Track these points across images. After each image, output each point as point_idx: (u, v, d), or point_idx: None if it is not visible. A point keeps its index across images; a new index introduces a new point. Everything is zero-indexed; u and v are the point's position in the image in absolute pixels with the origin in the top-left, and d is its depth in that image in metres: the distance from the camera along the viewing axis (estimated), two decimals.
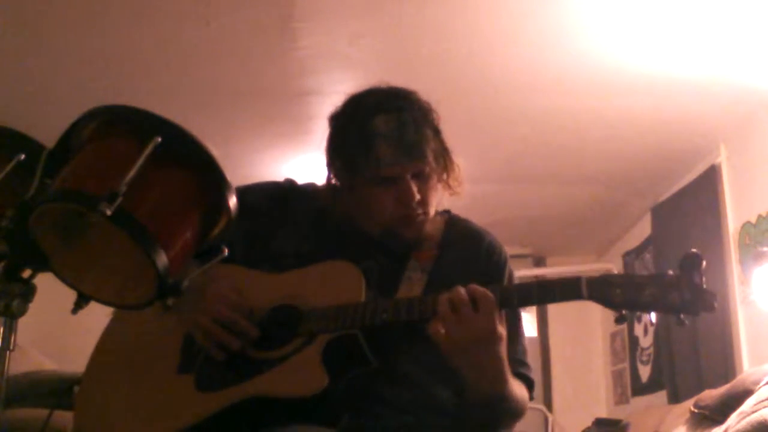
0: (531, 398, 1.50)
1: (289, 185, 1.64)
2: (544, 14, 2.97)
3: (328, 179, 1.55)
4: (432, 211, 1.50)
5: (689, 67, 3.29)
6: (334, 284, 1.40)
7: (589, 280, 1.25)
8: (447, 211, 1.62)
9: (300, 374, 1.32)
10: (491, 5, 2.92)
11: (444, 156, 1.49)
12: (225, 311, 1.38)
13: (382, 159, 1.41)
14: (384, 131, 1.41)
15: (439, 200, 1.54)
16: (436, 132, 1.48)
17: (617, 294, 1.23)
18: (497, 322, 1.28)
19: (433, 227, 1.56)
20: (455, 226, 1.59)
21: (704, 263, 1.22)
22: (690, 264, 1.22)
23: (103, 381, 1.51)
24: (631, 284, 1.23)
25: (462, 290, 1.28)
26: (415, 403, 1.42)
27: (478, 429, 1.44)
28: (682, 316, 1.22)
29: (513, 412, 1.43)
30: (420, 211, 1.46)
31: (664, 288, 1.22)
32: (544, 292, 1.29)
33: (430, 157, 1.44)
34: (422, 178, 1.45)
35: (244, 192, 1.50)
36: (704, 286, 1.21)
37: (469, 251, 1.54)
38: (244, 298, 1.42)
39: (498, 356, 1.30)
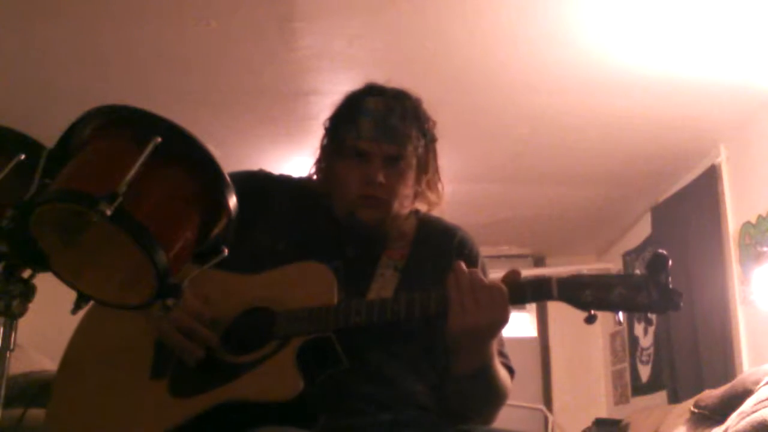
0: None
1: (264, 175, 1.65)
2: (544, 14, 2.97)
3: (317, 161, 1.60)
4: (397, 204, 1.51)
5: (689, 67, 3.29)
6: (307, 286, 1.40)
7: (559, 281, 1.29)
8: (417, 211, 1.64)
9: (275, 378, 1.32)
10: (491, 5, 2.93)
11: (427, 163, 1.53)
12: (185, 320, 1.38)
13: (361, 132, 1.47)
14: (370, 109, 1.48)
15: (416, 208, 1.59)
16: (425, 137, 1.51)
17: (586, 294, 1.26)
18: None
19: (405, 225, 1.58)
20: (427, 224, 1.61)
21: (670, 263, 1.25)
22: (656, 264, 1.25)
23: (74, 386, 1.49)
24: (601, 285, 1.27)
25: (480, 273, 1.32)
26: (393, 400, 1.42)
27: (463, 408, 1.44)
28: (649, 314, 1.27)
29: (498, 388, 1.43)
30: (383, 195, 1.48)
31: (632, 288, 1.25)
32: (515, 293, 1.31)
33: (408, 150, 1.48)
34: (393, 166, 1.48)
35: None
36: (670, 286, 1.24)
37: (440, 247, 1.56)
38: (207, 305, 1.41)
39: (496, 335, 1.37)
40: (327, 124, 1.58)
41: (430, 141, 1.54)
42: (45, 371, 3.06)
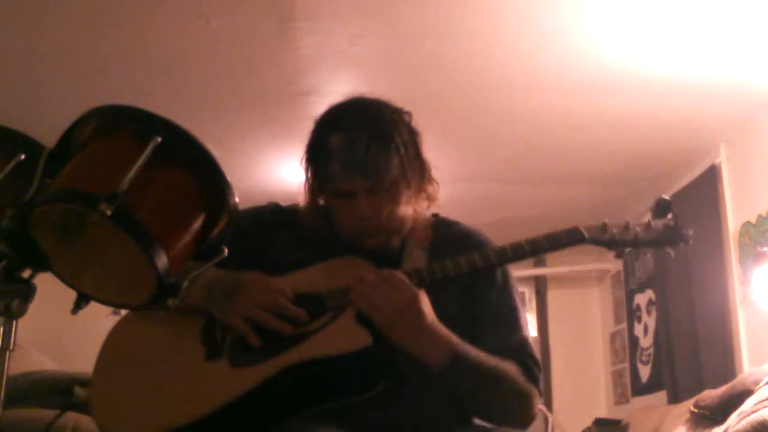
0: (533, 384, 1.48)
1: (273, 208, 1.67)
2: (544, 14, 2.97)
3: (308, 198, 1.59)
4: (397, 218, 1.52)
5: (689, 67, 3.29)
6: (345, 271, 1.45)
7: (587, 227, 1.53)
8: (435, 215, 1.64)
9: (342, 335, 1.38)
10: (491, 5, 2.93)
11: (410, 167, 1.49)
12: (275, 299, 1.43)
13: (334, 176, 1.48)
14: (335, 149, 1.46)
15: (412, 209, 1.57)
16: (401, 147, 1.48)
17: (614, 233, 1.54)
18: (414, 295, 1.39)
19: (420, 233, 1.58)
20: (443, 229, 1.61)
21: (672, 206, 1.61)
22: (662, 208, 1.60)
23: (118, 379, 1.48)
24: (621, 227, 1.55)
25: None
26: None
27: (476, 411, 1.47)
28: (668, 249, 1.57)
29: (496, 380, 1.43)
30: (377, 224, 1.50)
31: (646, 228, 1.57)
32: (553, 242, 1.51)
33: (385, 174, 1.46)
34: (377, 192, 1.48)
35: None
36: (679, 225, 1.57)
37: (458, 253, 1.54)
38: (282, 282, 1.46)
39: (427, 325, 1.39)
40: (302, 164, 1.55)
41: (407, 144, 1.49)
42: (45, 371, 3.06)
